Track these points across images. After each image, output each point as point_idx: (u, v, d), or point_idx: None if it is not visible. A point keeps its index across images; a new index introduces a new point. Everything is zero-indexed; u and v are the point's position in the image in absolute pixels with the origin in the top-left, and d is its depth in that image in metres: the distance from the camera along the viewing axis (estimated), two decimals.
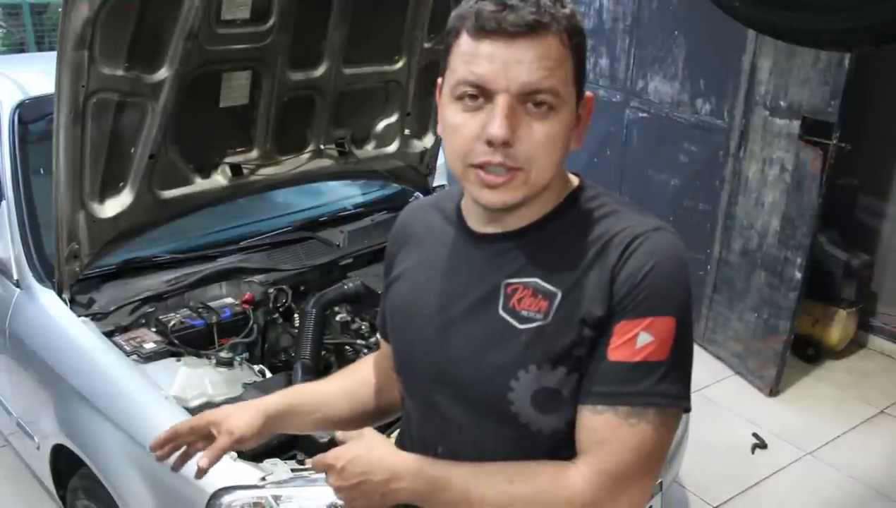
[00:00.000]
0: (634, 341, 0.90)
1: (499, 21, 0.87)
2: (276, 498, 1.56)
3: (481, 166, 0.92)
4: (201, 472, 1.10)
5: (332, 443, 1.72)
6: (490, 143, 0.90)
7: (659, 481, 1.67)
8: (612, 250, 0.93)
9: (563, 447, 0.96)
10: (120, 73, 1.94)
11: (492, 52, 0.88)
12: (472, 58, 0.90)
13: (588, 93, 0.98)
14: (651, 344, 0.90)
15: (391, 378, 1.23)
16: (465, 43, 0.91)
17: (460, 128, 0.92)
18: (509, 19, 0.87)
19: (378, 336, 1.30)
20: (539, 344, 0.95)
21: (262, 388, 1.91)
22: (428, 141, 2.96)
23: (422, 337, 1.06)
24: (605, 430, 0.91)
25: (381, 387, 1.27)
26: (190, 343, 2.07)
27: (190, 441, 1.16)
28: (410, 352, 1.09)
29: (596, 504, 0.91)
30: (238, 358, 2.04)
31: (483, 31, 0.89)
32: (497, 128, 0.88)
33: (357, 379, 1.29)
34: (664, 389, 0.91)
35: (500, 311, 0.98)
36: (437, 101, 1.00)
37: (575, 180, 1.03)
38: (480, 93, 0.90)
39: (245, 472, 1.60)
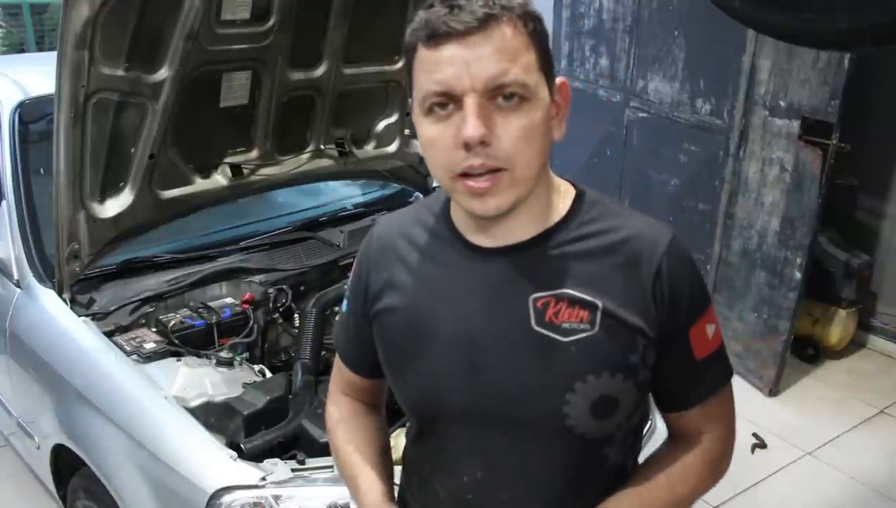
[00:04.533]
0: (706, 334, 1.01)
1: (449, 22, 0.85)
2: (277, 498, 1.55)
3: (465, 175, 0.88)
4: None
5: None
6: (467, 147, 0.86)
7: None
8: (641, 263, 0.95)
9: (607, 445, 1.01)
10: (120, 73, 1.94)
11: (450, 55, 0.86)
12: (431, 66, 0.87)
13: (560, 79, 0.95)
14: (715, 330, 1.02)
15: (374, 403, 1.23)
16: (422, 54, 0.88)
17: (436, 141, 0.90)
18: (459, 18, 0.85)
19: (344, 367, 1.20)
20: (592, 353, 0.94)
21: (263, 388, 1.91)
22: None
23: (443, 367, 1.00)
24: (716, 410, 1.06)
25: (378, 422, 1.23)
26: (190, 343, 2.07)
27: None
28: (432, 383, 1.02)
29: (729, 457, 1.10)
30: (238, 358, 2.04)
31: (436, 36, 0.86)
32: (471, 129, 0.85)
33: (366, 428, 1.20)
34: (727, 355, 1.07)
35: (535, 327, 0.95)
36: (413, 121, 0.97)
37: (570, 188, 1.02)
38: (448, 100, 0.87)
39: (245, 472, 1.60)
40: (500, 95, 0.87)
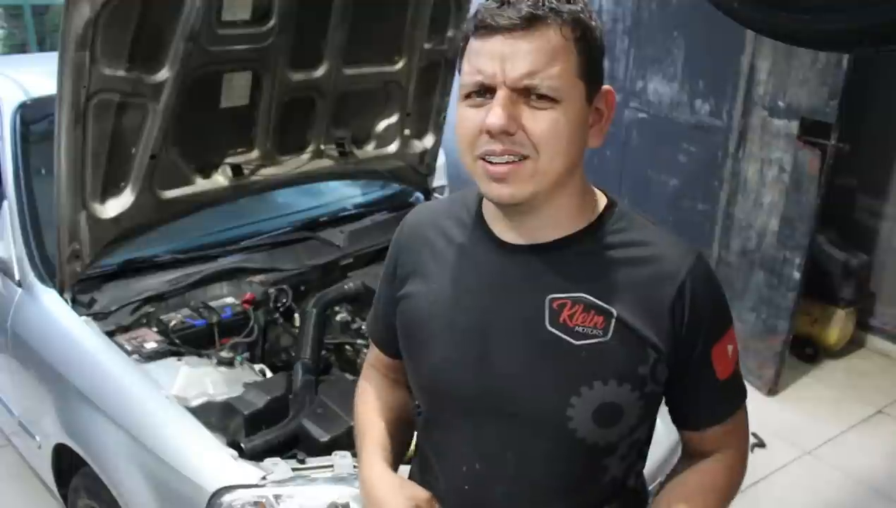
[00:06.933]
0: (727, 354, 1.03)
1: (496, 17, 0.89)
2: (277, 497, 1.56)
3: (485, 157, 0.92)
4: None
5: (332, 443, 1.74)
6: (490, 134, 0.90)
7: (657, 481, 1.68)
8: (663, 280, 0.97)
9: (608, 455, 1.02)
10: (121, 73, 1.94)
11: (491, 49, 0.90)
12: (475, 56, 0.92)
13: (606, 87, 0.97)
14: (735, 350, 1.04)
15: (399, 380, 1.24)
16: (471, 43, 0.93)
17: (465, 121, 0.94)
18: (506, 14, 0.89)
19: (372, 344, 1.27)
20: (602, 360, 0.96)
21: (263, 388, 1.92)
22: (428, 141, 2.97)
23: (457, 354, 1.03)
24: (733, 428, 1.08)
25: (403, 396, 1.25)
26: (191, 342, 2.08)
27: None
28: (443, 371, 1.05)
29: (745, 470, 1.12)
30: (239, 358, 2.05)
31: (484, 28, 0.90)
32: (493, 117, 0.89)
33: (386, 405, 1.22)
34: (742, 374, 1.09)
35: (549, 327, 0.97)
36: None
37: (603, 197, 1.04)
38: (484, 90, 0.91)
39: (246, 471, 1.60)
40: (530, 94, 0.90)
